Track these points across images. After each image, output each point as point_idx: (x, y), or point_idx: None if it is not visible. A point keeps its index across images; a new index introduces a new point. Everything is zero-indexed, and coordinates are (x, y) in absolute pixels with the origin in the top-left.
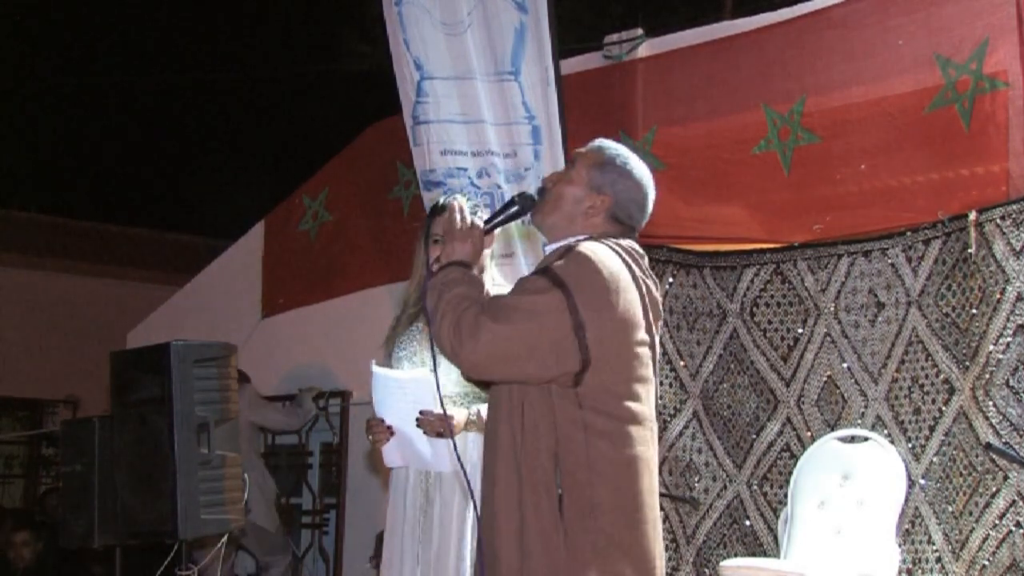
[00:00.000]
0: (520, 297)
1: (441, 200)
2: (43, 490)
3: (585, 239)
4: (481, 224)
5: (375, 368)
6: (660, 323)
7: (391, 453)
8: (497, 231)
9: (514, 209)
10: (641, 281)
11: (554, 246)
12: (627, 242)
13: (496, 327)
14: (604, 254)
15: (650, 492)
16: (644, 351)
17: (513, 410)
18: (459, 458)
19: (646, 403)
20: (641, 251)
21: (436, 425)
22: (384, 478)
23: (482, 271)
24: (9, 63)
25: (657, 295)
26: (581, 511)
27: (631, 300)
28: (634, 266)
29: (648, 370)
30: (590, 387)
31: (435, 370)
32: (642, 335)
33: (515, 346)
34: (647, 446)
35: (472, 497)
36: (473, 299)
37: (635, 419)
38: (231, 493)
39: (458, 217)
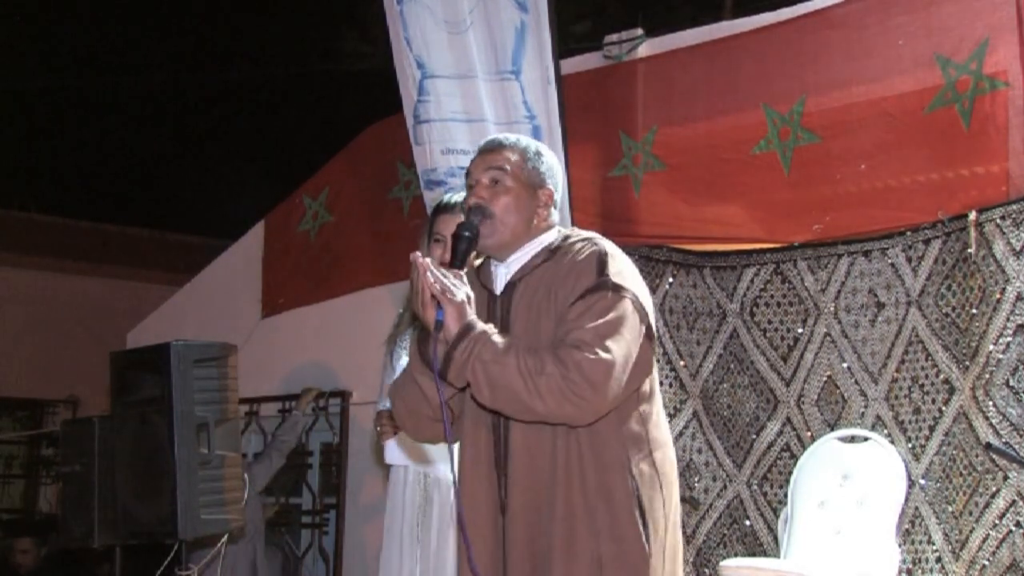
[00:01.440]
0: (606, 322)
1: (446, 198)
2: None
3: (575, 236)
4: (455, 272)
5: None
6: None
7: (392, 450)
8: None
9: (466, 238)
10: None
11: (524, 254)
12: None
13: (607, 364)
14: (618, 248)
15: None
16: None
17: (577, 438)
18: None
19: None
20: None
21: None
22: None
23: None
24: (9, 63)
25: None
26: (657, 515)
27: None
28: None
29: None
30: (646, 386)
31: (447, 431)
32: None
33: (626, 373)
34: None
35: (458, 498)
36: (540, 351)
37: (659, 399)
38: (231, 493)
39: (439, 277)
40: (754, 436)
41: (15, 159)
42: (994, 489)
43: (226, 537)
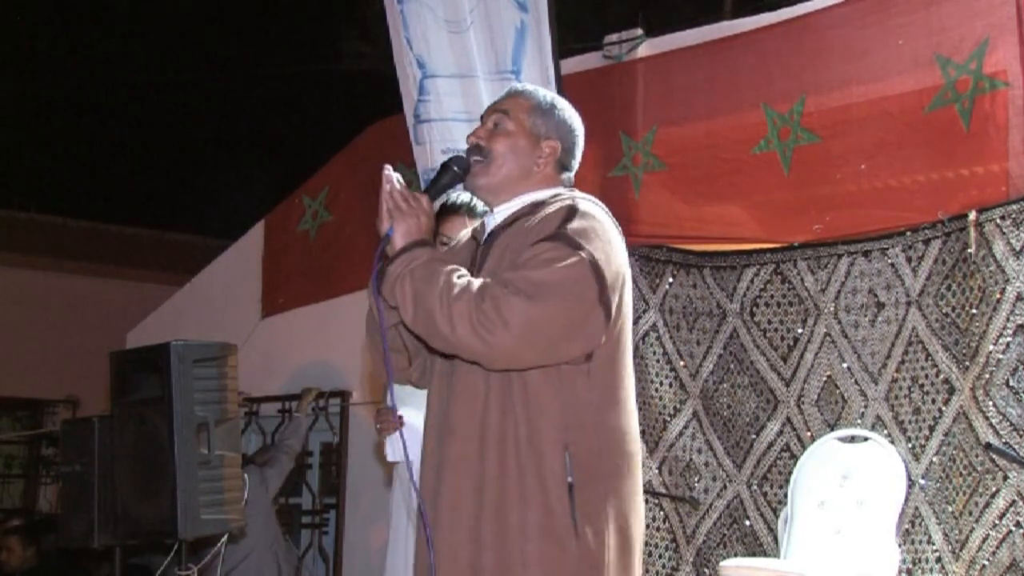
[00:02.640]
0: (547, 270)
1: (452, 199)
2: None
3: (566, 194)
4: (423, 194)
5: None
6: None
7: (394, 444)
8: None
9: (452, 172)
10: (624, 240)
11: (512, 204)
12: (591, 197)
13: (530, 307)
14: (600, 212)
15: (639, 470)
16: (630, 310)
17: (513, 395)
18: (405, 449)
19: (631, 365)
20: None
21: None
22: (387, 472)
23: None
24: (9, 63)
25: None
26: (595, 504)
27: (626, 259)
28: (617, 224)
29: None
30: (601, 358)
31: (388, 366)
32: (629, 294)
33: (552, 327)
34: (636, 414)
35: (417, 491)
36: (472, 279)
37: (629, 388)
38: (231, 493)
39: (398, 186)
40: (754, 436)
41: (15, 159)
42: (994, 489)
43: (226, 537)
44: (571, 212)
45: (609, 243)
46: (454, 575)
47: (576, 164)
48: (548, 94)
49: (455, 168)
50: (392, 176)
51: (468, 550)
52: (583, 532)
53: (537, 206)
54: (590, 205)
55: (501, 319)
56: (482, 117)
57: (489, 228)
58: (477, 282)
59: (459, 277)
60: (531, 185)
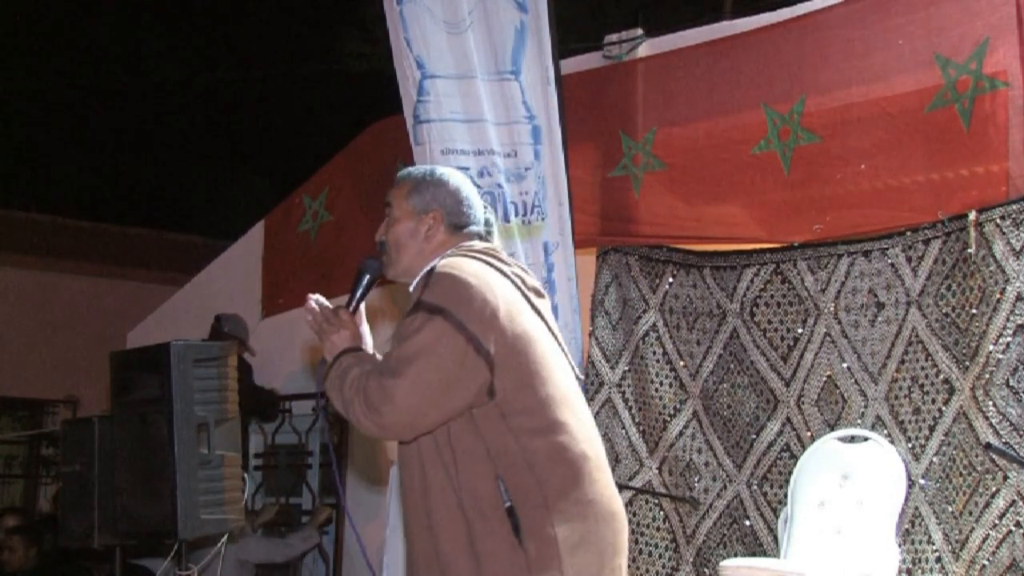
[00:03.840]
0: (408, 343)
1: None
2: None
3: (439, 259)
4: (344, 309)
5: None
6: (546, 302)
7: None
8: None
9: (367, 277)
10: (509, 273)
11: (415, 280)
12: (480, 244)
13: (402, 381)
14: (461, 262)
15: (598, 468)
16: (536, 331)
17: (441, 448)
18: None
19: (561, 379)
20: (497, 249)
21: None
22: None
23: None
24: (9, 63)
25: (533, 281)
26: (536, 518)
27: (505, 293)
28: (495, 262)
29: (547, 343)
30: (504, 390)
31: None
32: (529, 317)
33: (429, 389)
34: (579, 418)
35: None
36: (368, 371)
37: (556, 402)
38: (231, 493)
39: (319, 312)
40: (754, 436)
41: (15, 159)
42: (994, 489)
43: (226, 537)
44: (427, 280)
45: (467, 290)
46: None
47: (473, 216)
48: (424, 170)
49: (366, 273)
50: (310, 303)
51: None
52: (527, 547)
53: (427, 279)
54: (449, 262)
55: (385, 401)
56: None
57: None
58: (367, 375)
59: (363, 373)
60: (428, 257)
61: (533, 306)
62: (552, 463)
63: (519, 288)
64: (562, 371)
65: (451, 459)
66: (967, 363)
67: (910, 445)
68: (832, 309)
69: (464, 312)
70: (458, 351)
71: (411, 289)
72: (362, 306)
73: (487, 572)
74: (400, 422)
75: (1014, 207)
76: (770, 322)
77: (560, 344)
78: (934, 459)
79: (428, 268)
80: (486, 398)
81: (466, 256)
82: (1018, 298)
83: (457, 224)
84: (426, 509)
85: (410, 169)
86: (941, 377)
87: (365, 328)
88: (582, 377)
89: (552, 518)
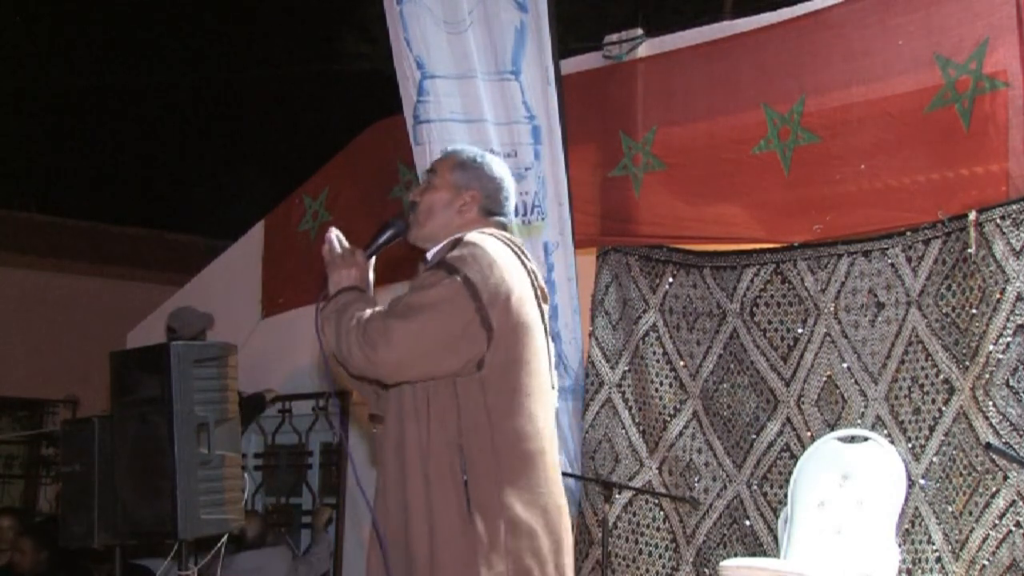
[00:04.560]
0: (422, 293)
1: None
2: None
3: (473, 232)
4: (360, 250)
5: None
6: (548, 306)
7: None
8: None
9: (390, 231)
10: (528, 266)
11: (437, 247)
12: (505, 234)
13: (406, 325)
14: (491, 240)
15: (553, 467)
16: (536, 326)
17: (419, 406)
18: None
19: (544, 377)
20: (520, 243)
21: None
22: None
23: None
24: (9, 63)
25: (542, 282)
26: (488, 496)
27: (519, 278)
28: (518, 252)
29: (542, 342)
30: (493, 367)
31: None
32: (532, 308)
33: (428, 340)
34: (548, 416)
35: (363, 492)
36: (373, 311)
37: (534, 393)
38: (231, 493)
39: (337, 246)
40: (754, 436)
41: (15, 159)
42: (994, 489)
43: (226, 537)
44: (455, 243)
45: (490, 265)
46: (395, 562)
47: (507, 207)
48: (476, 153)
49: (389, 224)
50: (331, 235)
51: (397, 534)
52: (475, 520)
53: (453, 244)
54: (479, 236)
55: (384, 338)
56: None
57: (420, 270)
58: (368, 312)
59: (358, 312)
60: (455, 230)
61: (539, 304)
62: (515, 447)
63: (533, 284)
64: (547, 371)
65: (425, 419)
66: (967, 363)
67: (910, 445)
68: (832, 309)
69: (481, 283)
70: (465, 316)
71: (429, 255)
72: (373, 259)
73: (439, 542)
74: (389, 361)
75: (1014, 207)
76: (770, 322)
77: (550, 349)
78: (934, 459)
79: (455, 237)
80: (474, 369)
81: (495, 237)
82: (1018, 298)
83: (490, 210)
84: (400, 462)
85: (463, 147)
86: (941, 377)
87: (371, 279)
88: (556, 387)
89: (505, 499)
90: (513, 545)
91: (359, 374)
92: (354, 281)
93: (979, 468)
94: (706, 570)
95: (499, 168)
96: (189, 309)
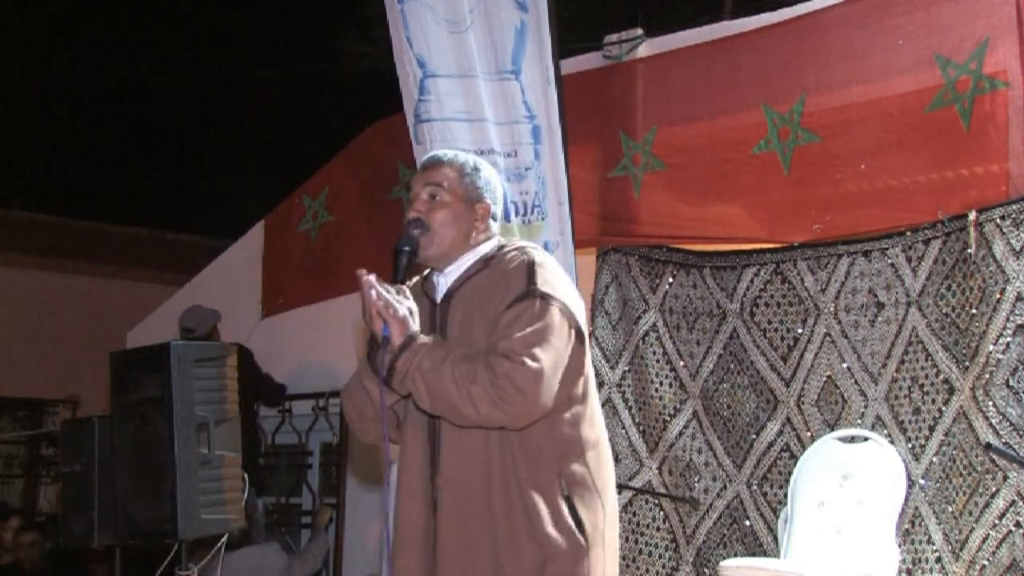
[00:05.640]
0: (533, 330)
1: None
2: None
3: (510, 245)
4: (398, 287)
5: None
6: None
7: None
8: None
9: (405, 256)
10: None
11: (461, 264)
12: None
13: (535, 372)
14: (551, 258)
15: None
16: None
17: (507, 442)
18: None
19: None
20: None
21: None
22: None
23: None
24: (9, 63)
25: None
26: (588, 501)
27: (576, 292)
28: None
29: None
30: (585, 385)
31: (384, 435)
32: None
33: (554, 379)
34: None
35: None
36: (475, 359)
37: (596, 397)
38: (231, 493)
39: (379, 293)
40: (754, 436)
41: (15, 159)
42: (994, 489)
43: (226, 537)
44: (532, 266)
45: (566, 284)
46: None
47: (500, 211)
48: (469, 157)
49: (405, 248)
50: (371, 280)
51: None
52: (590, 548)
53: (487, 262)
54: (540, 254)
55: (518, 390)
56: (412, 187)
57: (441, 287)
58: (481, 362)
59: (463, 361)
60: (472, 244)
61: None
62: (599, 448)
63: None
64: None
65: (521, 456)
66: (967, 363)
67: (910, 445)
68: (832, 309)
69: (571, 304)
70: (569, 341)
71: (446, 272)
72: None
73: (551, 553)
74: (528, 412)
75: (1014, 207)
76: (770, 322)
77: None
78: (934, 459)
79: (522, 258)
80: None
81: (543, 252)
82: (1018, 298)
83: (496, 217)
84: (487, 492)
85: (455, 152)
86: (941, 377)
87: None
88: None
89: (598, 501)
90: (610, 534)
91: (479, 426)
92: (415, 324)
93: (979, 468)
94: (706, 570)
95: (491, 170)
96: (199, 307)
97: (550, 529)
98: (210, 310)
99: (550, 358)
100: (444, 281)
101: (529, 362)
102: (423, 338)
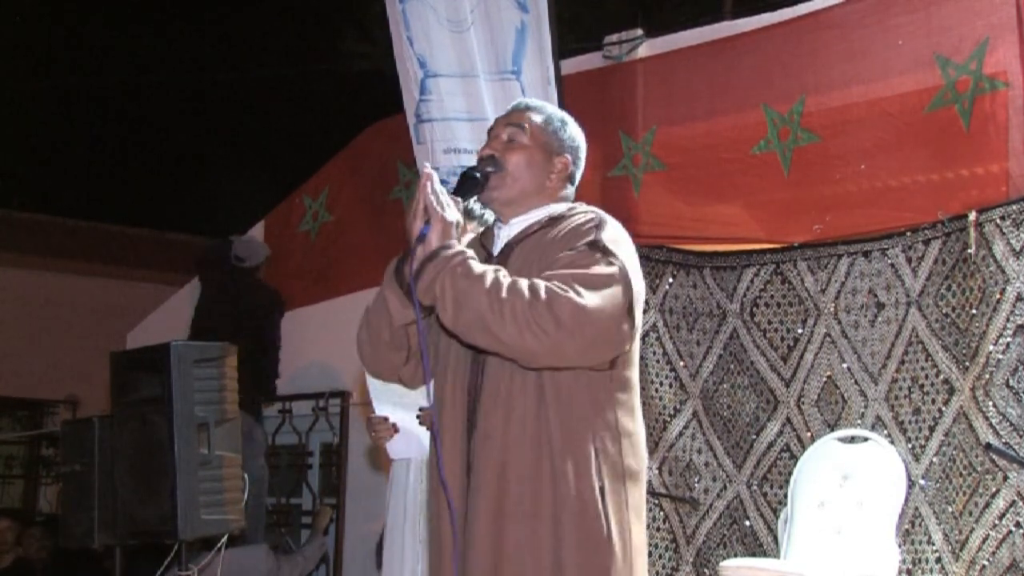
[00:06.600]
0: (590, 273)
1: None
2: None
3: (582, 207)
4: (454, 197)
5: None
6: None
7: (396, 444)
8: None
9: (475, 179)
10: None
11: (528, 217)
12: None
13: (579, 306)
14: (624, 231)
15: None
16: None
17: (542, 398)
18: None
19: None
20: None
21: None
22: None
23: None
24: (9, 63)
25: None
26: (619, 507)
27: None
28: None
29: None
30: (621, 365)
31: (425, 365)
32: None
33: (594, 328)
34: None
35: (446, 488)
36: (516, 278)
37: (638, 393)
38: (231, 493)
39: (437, 192)
40: (754, 436)
41: (15, 159)
42: (994, 489)
43: (226, 537)
44: (602, 223)
45: (633, 258)
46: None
47: (579, 178)
48: (558, 110)
49: (477, 176)
50: (433, 175)
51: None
52: (611, 536)
53: (555, 220)
54: (613, 220)
55: (553, 318)
56: (489, 130)
57: (501, 239)
58: (525, 281)
59: (504, 276)
60: (544, 199)
61: None
62: (635, 451)
63: None
64: None
65: (556, 418)
66: (967, 363)
67: (910, 445)
68: (832, 309)
69: (632, 277)
70: (622, 308)
71: (501, 224)
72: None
73: (569, 552)
74: (555, 346)
75: (1014, 207)
76: (770, 322)
77: None
78: (934, 459)
79: (591, 215)
80: (608, 364)
81: (617, 222)
82: (1018, 298)
83: (571, 179)
84: (550, 455)
85: (539, 102)
86: (941, 377)
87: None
88: None
89: (626, 513)
90: (636, 528)
91: (497, 350)
92: (458, 236)
93: (979, 468)
94: (706, 570)
95: (579, 131)
96: (253, 239)
97: (577, 498)
98: (261, 244)
99: (595, 301)
100: (506, 233)
101: (573, 295)
102: (461, 248)
